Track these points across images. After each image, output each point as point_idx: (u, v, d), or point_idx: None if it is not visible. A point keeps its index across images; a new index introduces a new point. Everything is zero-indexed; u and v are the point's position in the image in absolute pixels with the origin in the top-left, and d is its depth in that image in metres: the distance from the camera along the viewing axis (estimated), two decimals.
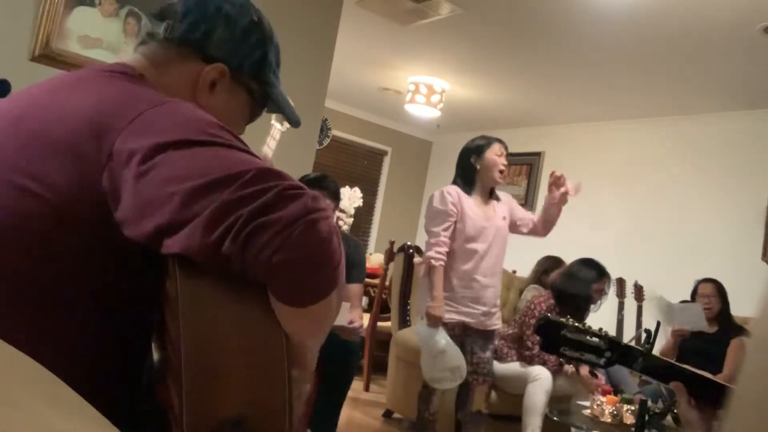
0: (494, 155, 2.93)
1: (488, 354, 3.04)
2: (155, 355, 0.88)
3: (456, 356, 2.81)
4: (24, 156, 0.81)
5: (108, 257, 0.81)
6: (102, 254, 0.81)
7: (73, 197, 0.79)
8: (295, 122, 1.23)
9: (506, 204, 3.10)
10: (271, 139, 2.05)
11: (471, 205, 2.93)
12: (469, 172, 2.97)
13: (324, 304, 0.76)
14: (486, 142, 2.97)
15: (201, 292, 0.74)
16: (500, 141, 2.99)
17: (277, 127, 2.09)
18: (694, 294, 3.88)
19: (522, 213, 3.16)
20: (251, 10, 1.03)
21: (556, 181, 2.95)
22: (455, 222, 2.88)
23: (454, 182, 3.01)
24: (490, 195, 3.03)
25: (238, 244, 0.70)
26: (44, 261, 0.79)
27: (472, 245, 2.89)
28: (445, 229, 2.86)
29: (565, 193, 2.95)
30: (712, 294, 3.80)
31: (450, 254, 2.88)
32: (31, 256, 0.79)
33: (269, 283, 0.74)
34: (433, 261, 2.84)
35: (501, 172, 2.95)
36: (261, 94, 1.07)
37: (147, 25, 2.73)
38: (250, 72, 1.03)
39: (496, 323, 3.03)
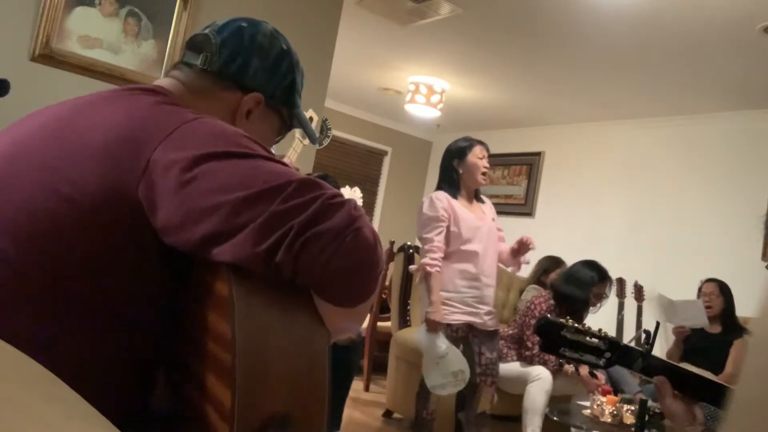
0: (476, 158, 2.97)
1: (495, 355, 3.05)
2: (181, 357, 0.89)
3: (458, 360, 2.81)
4: (60, 161, 0.84)
5: (133, 263, 0.84)
6: (128, 259, 0.83)
7: (105, 203, 0.81)
8: (315, 139, 1.33)
9: (491, 208, 3.14)
10: (293, 152, 2.14)
11: (461, 207, 2.95)
12: (452, 175, 3.00)
13: (369, 302, 0.84)
14: (468, 145, 2.99)
15: (253, 294, 0.78)
16: (481, 143, 3.02)
17: (300, 141, 2.19)
18: (699, 293, 3.89)
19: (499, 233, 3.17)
20: (280, 39, 1.09)
21: (524, 246, 2.99)
22: (448, 226, 2.88)
23: (439, 187, 3.02)
24: (475, 196, 3.07)
25: (292, 254, 0.74)
26: (71, 263, 0.81)
27: (470, 246, 2.90)
28: (438, 234, 2.86)
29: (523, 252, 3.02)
30: (714, 292, 3.80)
31: (450, 257, 2.89)
32: (58, 258, 0.81)
33: (322, 289, 0.79)
34: (428, 267, 2.83)
35: (483, 174, 2.98)
36: (289, 116, 1.12)
37: (147, 25, 2.73)
38: (282, 98, 1.08)
39: (496, 325, 3.05)
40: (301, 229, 0.74)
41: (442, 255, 2.86)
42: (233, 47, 1.03)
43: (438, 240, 2.85)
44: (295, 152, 2.18)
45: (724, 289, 3.81)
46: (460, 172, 2.98)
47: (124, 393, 0.85)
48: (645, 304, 4.70)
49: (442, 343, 2.79)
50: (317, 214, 0.75)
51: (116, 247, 0.82)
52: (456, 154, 3.00)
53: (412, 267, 3.36)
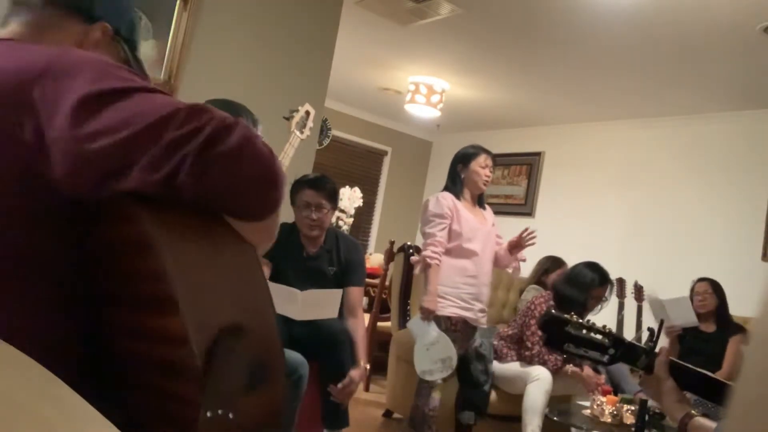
0: (478, 167, 3.12)
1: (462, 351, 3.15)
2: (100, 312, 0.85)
3: (447, 347, 2.93)
4: None
5: (32, 216, 0.80)
6: (26, 214, 0.79)
7: None
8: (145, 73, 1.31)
9: (491, 215, 3.28)
10: (290, 147, 2.12)
11: (463, 208, 3.09)
12: (456, 180, 3.17)
13: (275, 216, 0.87)
14: (473, 152, 3.15)
15: (168, 224, 0.79)
16: (487, 152, 3.16)
17: (297, 135, 2.16)
18: (691, 293, 3.89)
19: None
20: None
21: (523, 240, 3.09)
22: (451, 224, 3.02)
23: (446, 188, 3.18)
24: (478, 201, 3.22)
25: (194, 175, 0.76)
26: None
27: (470, 245, 3.03)
28: (441, 231, 2.99)
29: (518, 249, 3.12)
30: (707, 291, 3.81)
31: (451, 254, 3.02)
32: None
33: (228, 205, 0.82)
34: (428, 259, 2.96)
35: (485, 183, 3.14)
36: (132, 59, 1.09)
37: (147, 25, 2.73)
38: (125, 33, 1.06)
39: (485, 323, 3.22)
40: (199, 150, 0.76)
41: (443, 250, 2.98)
42: None
43: (440, 235, 2.98)
44: (291, 147, 2.15)
45: (716, 288, 3.82)
46: (462, 177, 3.14)
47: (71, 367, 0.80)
48: (645, 304, 4.70)
49: (434, 330, 2.93)
50: (213, 136, 0.77)
51: (13, 202, 0.79)
52: (460, 159, 3.17)
53: (413, 258, 3.44)
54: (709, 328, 3.80)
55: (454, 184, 3.16)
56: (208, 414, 0.73)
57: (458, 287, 3.01)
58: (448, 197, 3.07)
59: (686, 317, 3.73)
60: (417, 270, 3.15)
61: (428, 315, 2.94)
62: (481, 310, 3.10)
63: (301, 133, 2.19)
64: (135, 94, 0.80)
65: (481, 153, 3.13)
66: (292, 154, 2.14)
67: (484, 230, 3.10)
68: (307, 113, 2.24)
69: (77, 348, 0.83)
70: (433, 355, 2.92)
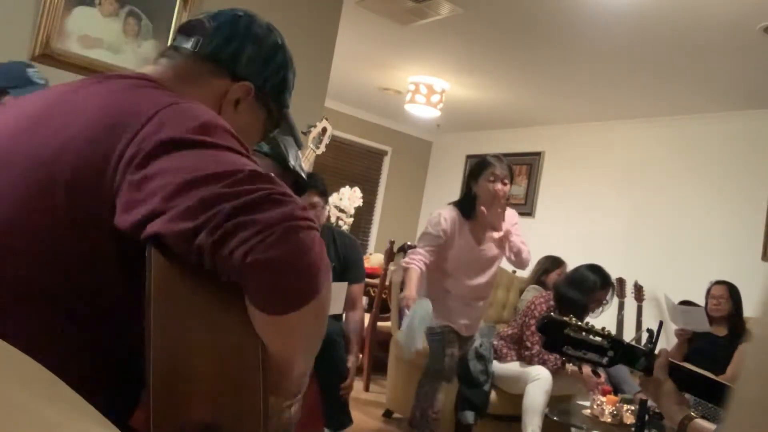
0: (487, 181, 2.84)
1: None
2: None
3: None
4: (41, 152, 0.81)
5: (109, 259, 0.80)
6: (104, 255, 0.79)
7: (82, 194, 0.78)
8: (301, 145, 1.32)
9: (507, 225, 2.97)
10: (305, 160, 2.12)
11: (465, 232, 2.91)
12: (468, 196, 2.94)
13: (301, 315, 0.74)
14: (482, 167, 2.88)
15: (175, 287, 0.72)
16: (499, 160, 2.87)
17: (313, 149, 2.17)
18: (707, 294, 3.88)
19: (514, 238, 2.96)
20: (275, 33, 1.06)
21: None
22: (442, 245, 2.88)
23: (459, 202, 2.99)
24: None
25: (213, 238, 0.70)
26: (45, 261, 0.78)
27: (457, 274, 2.94)
28: (428, 249, 2.87)
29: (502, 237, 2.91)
30: (723, 295, 3.80)
31: (442, 275, 2.93)
32: (33, 254, 0.78)
33: (242, 285, 0.73)
34: (405, 264, 2.87)
35: (494, 198, 2.82)
36: (278, 114, 1.08)
37: (147, 25, 2.73)
38: (272, 93, 1.05)
39: (470, 332, 3.12)
40: (229, 214, 0.70)
41: (424, 260, 2.84)
42: (227, 32, 1.00)
43: (427, 249, 2.86)
44: (307, 161, 2.17)
45: (733, 293, 3.80)
46: (474, 192, 2.90)
47: (105, 401, 0.81)
48: (645, 304, 4.70)
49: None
50: (254, 203, 0.71)
51: (94, 243, 0.79)
52: (470, 174, 2.95)
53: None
54: (721, 332, 3.78)
55: (465, 200, 2.94)
56: None
57: (445, 305, 2.93)
58: (449, 217, 2.87)
59: (699, 325, 3.75)
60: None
61: (407, 304, 2.73)
62: (466, 326, 3.03)
63: (317, 148, 2.21)
64: (208, 149, 0.78)
65: (489, 165, 2.83)
66: (307, 166, 2.16)
67: (483, 256, 2.95)
68: (324, 130, 2.25)
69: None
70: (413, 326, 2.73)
